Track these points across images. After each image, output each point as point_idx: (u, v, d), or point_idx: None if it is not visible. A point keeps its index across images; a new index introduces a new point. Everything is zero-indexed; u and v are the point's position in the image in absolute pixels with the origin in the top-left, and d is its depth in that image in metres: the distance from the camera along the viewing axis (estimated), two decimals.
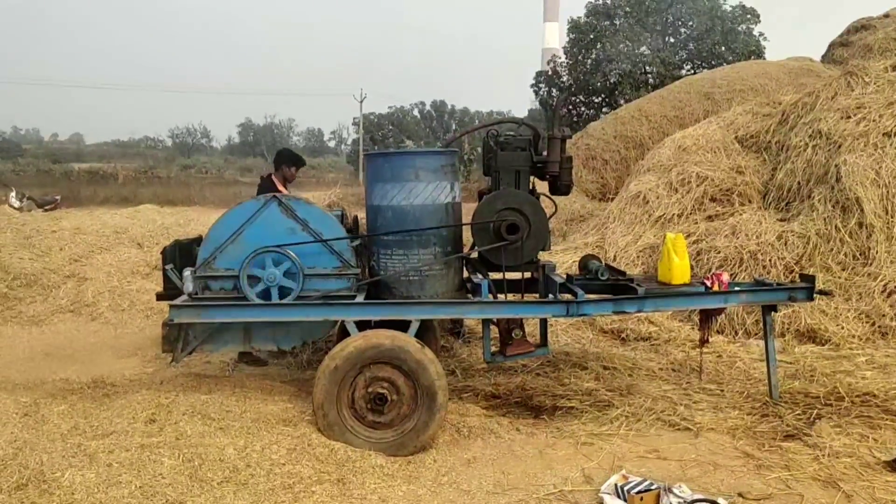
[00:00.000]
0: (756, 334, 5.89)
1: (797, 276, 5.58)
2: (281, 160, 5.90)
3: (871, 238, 6.28)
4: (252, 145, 71.98)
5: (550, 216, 4.40)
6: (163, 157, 57.43)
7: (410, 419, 3.81)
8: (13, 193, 16.63)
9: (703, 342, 4.72)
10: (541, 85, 35.10)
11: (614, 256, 7.43)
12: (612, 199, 10.46)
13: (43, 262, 8.02)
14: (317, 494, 3.25)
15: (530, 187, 4.45)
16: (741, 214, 7.27)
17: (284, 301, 4.00)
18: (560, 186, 4.46)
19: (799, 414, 4.22)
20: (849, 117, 7.31)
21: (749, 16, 30.26)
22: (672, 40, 31.62)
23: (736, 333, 6.04)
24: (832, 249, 6.38)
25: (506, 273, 4.26)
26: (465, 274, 4.55)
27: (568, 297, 4.05)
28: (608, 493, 3.32)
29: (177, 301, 4.02)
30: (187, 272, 4.08)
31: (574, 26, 32.56)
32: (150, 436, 3.56)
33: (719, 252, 6.73)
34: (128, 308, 7.35)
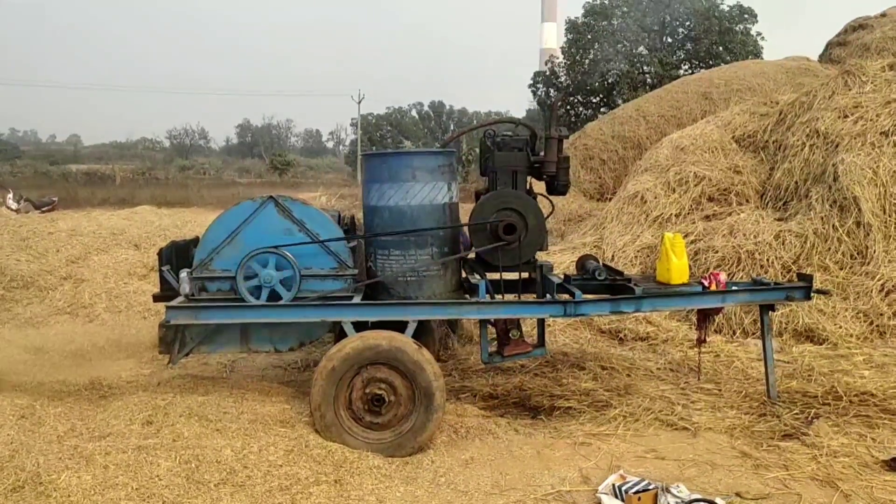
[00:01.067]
0: (754, 334, 5.89)
1: (795, 275, 5.58)
2: None
3: (868, 237, 6.28)
4: (250, 146, 72.11)
5: (548, 216, 4.39)
6: (161, 159, 57.56)
7: (408, 420, 3.80)
8: (10, 195, 16.58)
9: (701, 342, 4.72)
10: (539, 85, 35.23)
11: (612, 256, 7.42)
12: (610, 199, 10.47)
13: (39, 264, 8.00)
14: (314, 496, 3.24)
15: (527, 187, 4.44)
16: (739, 214, 7.28)
17: (281, 302, 3.99)
18: (557, 186, 4.45)
19: (797, 413, 4.22)
20: (846, 116, 7.32)
21: (746, 16, 30.36)
22: (670, 40, 31.72)
23: (734, 333, 6.04)
24: (830, 249, 6.38)
25: (503, 273, 4.25)
26: (463, 274, 4.54)
27: (565, 297, 4.04)
28: (606, 494, 3.31)
29: (173, 302, 4.00)
30: (184, 273, 4.06)
31: (572, 27, 32.66)
32: (146, 437, 3.55)
33: (717, 252, 6.72)
34: (125, 309, 7.32)
